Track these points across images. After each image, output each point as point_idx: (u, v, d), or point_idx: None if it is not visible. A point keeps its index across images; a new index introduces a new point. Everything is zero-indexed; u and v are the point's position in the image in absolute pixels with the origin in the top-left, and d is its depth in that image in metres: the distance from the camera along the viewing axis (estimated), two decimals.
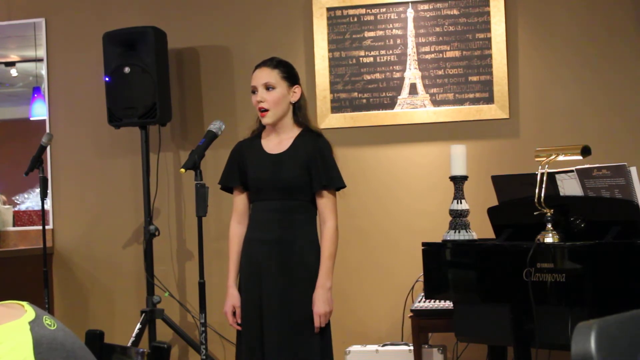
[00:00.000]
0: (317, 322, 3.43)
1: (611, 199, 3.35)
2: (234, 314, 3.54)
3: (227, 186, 3.67)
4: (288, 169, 3.50)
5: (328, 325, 3.52)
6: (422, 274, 3.80)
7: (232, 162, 3.65)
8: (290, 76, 3.58)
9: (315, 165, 3.49)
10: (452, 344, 4.34)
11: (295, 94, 3.57)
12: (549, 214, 3.36)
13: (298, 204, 3.51)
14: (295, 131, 3.58)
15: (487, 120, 4.73)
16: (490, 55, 4.71)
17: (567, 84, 4.69)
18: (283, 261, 3.48)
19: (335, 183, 3.53)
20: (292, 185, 3.49)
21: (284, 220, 3.50)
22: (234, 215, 3.64)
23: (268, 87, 3.52)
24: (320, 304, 3.43)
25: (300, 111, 3.59)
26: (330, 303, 3.47)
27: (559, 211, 3.40)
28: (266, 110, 3.51)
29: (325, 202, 3.50)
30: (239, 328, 3.54)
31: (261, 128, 3.64)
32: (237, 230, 3.62)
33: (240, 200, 3.64)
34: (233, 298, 3.55)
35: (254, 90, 3.56)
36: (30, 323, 1.71)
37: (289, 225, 3.50)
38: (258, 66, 3.60)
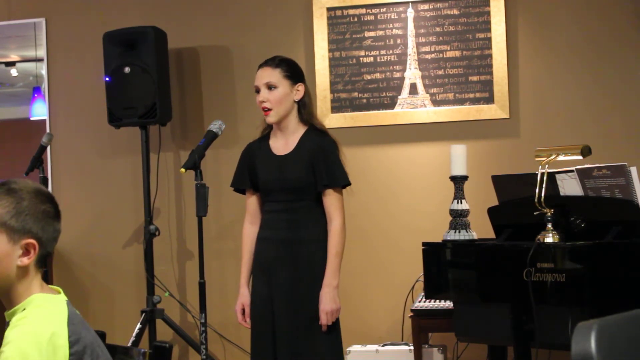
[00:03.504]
0: (324, 320, 3.44)
1: (611, 199, 3.35)
2: (244, 313, 3.57)
3: (239, 188, 3.69)
4: (293, 169, 3.51)
5: (337, 323, 3.52)
6: (422, 274, 3.80)
7: (242, 164, 3.67)
8: (293, 74, 3.57)
9: (318, 164, 3.50)
10: (452, 344, 4.34)
11: (299, 92, 3.56)
12: (549, 214, 3.36)
13: (305, 204, 3.52)
14: (300, 130, 3.58)
15: (487, 120, 4.73)
16: (490, 55, 4.71)
17: (567, 84, 4.69)
18: (291, 261, 3.49)
19: (339, 181, 3.52)
20: (297, 186, 3.50)
21: (291, 220, 3.52)
22: (247, 216, 3.67)
23: (270, 87, 3.53)
24: (327, 301, 3.44)
25: (305, 109, 3.58)
26: (337, 301, 3.47)
27: (559, 211, 3.40)
28: (269, 110, 3.52)
29: (330, 201, 3.51)
30: (248, 326, 3.56)
31: (269, 128, 3.65)
32: (249, 230, 3.64)
33: (252, 201, 3.66)
34: (243, 297, 3.57)
35: (257, 90, 3.57)
36: (66, 301, 2.01)
37: (296, 225, 3.51)
38: (260, 66, 3.60)
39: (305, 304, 3.46)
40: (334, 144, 3.56)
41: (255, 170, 3.60)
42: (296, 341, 3.44)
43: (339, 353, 3.54)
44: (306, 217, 3.52)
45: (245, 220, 3.67)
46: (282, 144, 3.58)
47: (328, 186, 3.50)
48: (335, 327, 3.50)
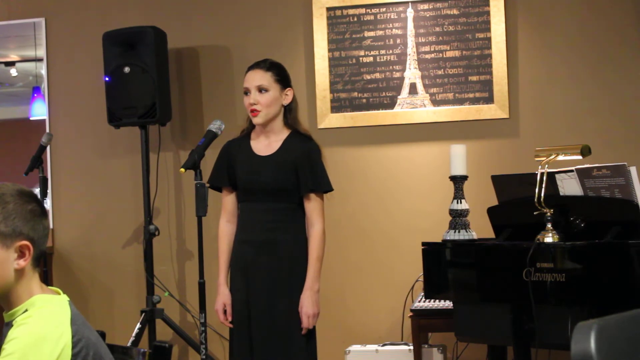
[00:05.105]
0: (306, 323, 3.45)
1: (611, 199, 3.35)
2: (225, 312, 3.56)
3: (216, 186, 3.69)
4: (276, 171, 3.52)
5: (314, 329, 3.53)
6: (422, 273, 3.80)
7: (220, 162, 3.67)
8: (283, 79, 3.60)
9: (303, 168, 3.51)
10: (452, 344, 4.34)
11: (287, 96, 3.59)
12: (548, 214, 3.36)
13: (285, 206, 3.53)
14: (284, 133, 3.60)
15: (487, 120, 4.73)
16: (490, 55, 4.71)
17: (567, 84, 4.69)
18: (270, 263, 3.50)
19: (323, 187, 3.55)
20: (279, 188, 3.51)
21: (271, 222, 3.52)
22: (223, 214, 3.66)
23: (261, 90, 3.55)
24: (309, 305, 3.45)
25: (290, 114, 3.62)
26: (318, 305, 3.48)
27: (559, 211, 3.40)
28: (258, 112, 3.53)
29: (313, 205, 3.52)
30: (231, 326, 3.56)
31: (251, 128, 3.66)
32: (226, 229, 3.64)
33: (229, 200, 3.66)
34: (224, 296, 3.57)
35: (246, 92, 3.58)
36: (68, 301, 2.03)
37: (276, 227, 3.52)
38: (251, 68, 3.62)
39: (284, 307, 3.47)
40: (319, 149, 3.58)
41: (235, 169, 3.60)
42: (273, 344, 3.45)
43: (314, 357, 3.55)
44: (286, 219, 3.53)
45: (221, 219, 3.66)
46: (265, 145, 3.59)
47: (312, 191, 3.51)
48: (312, 332, 3.51)
